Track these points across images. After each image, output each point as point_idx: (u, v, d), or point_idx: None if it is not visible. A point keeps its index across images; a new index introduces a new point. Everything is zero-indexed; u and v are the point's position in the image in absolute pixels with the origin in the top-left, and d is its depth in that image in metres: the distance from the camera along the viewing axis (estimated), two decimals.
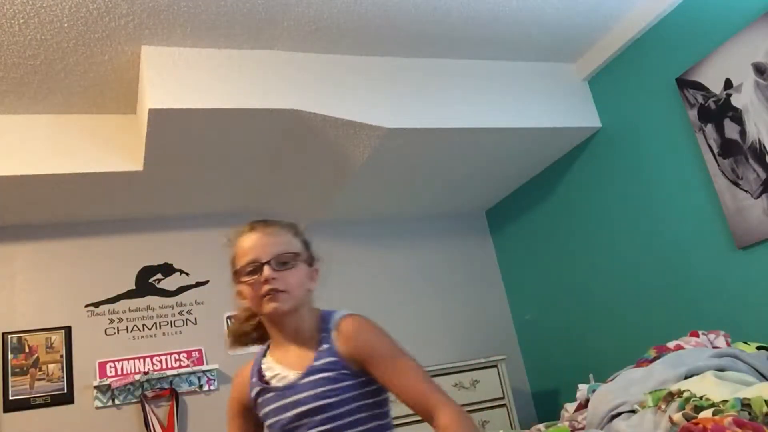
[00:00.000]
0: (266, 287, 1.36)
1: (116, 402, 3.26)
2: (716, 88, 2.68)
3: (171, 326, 3.51)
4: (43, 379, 3.20)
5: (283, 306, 1.37)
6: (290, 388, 1.37)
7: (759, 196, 2.53)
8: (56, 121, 2.99)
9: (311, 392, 1.33)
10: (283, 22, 2.69)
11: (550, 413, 3.44)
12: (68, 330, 3.32)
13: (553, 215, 3.77)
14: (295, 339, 1.42)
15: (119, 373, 3.32)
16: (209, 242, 3.72)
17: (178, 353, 3.46)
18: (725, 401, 1.46)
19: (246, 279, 1.39)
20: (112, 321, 3.42)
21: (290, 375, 1.39)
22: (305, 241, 1.49)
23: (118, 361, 3.35)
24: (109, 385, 3.24)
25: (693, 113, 2.78)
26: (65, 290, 3.40)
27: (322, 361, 1.36)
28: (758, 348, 2.07)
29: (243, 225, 1.48)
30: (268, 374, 1.44)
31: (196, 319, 3.58)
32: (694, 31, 2.80)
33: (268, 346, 1.50)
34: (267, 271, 1.36)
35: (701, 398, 1.52)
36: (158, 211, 3.61)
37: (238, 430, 1.52)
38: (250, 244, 1.41)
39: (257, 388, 1.43)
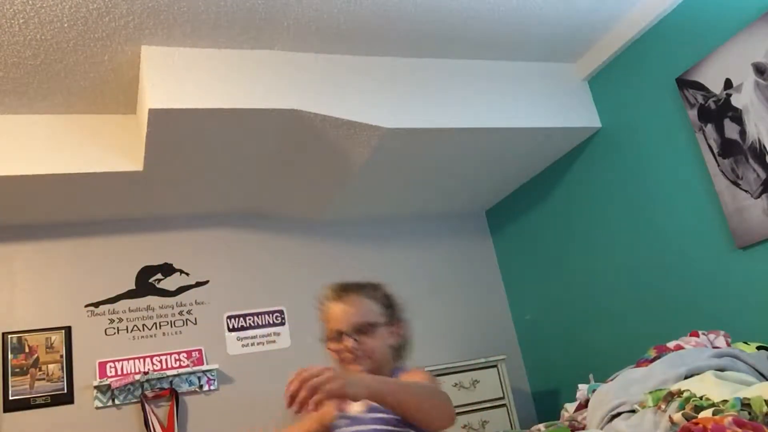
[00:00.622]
0: (347, 355, 1.61)
1: (116, 402, 3.26)
2: (716, 88, 2.68)
3: (171, 326, 3.51)
4: (43, 379, 3.20)
5: (364, 368, 1.60)
6: (354, 419, 1.60)
7: (759, 196, 2.53)
8: (56, 121, 2.99)
9: (365, 427, 1.55)
10: (283, 22, 2.69)
11: (550, 413, 3.43)
12: (68, 330, 3.32)
13: (553, 215, 3.77)
14: None
15: (119, 373, 3.32)
16: (209, 242, 3.73)
17: (178, 353, 3.46)
18: (725, 401, 1.45)
19: (331, 345, 1.65)
20: (112, 321, 3.42)
21: (359, 409, 1.61)
22: (386, 302, 1.73)
23: (118, 361, 3.35)
24: (109, 385, 3.24)
25: (693, 113, 2.78)
26: (65, 290, 3.39)
27: None
28: (758, 348, 2.06)
29: (329, 289, 1.71)
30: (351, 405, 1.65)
31: (196, 319, 3.58)
32: (694, 31, 2.80)
33: None
34: (347, 341, 1.61)
35: (701, 398, 1.52)
36: (158, 211, 3.61)
37: (303, 425, 1.74)
38: (334, 314, 1.66)
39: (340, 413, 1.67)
